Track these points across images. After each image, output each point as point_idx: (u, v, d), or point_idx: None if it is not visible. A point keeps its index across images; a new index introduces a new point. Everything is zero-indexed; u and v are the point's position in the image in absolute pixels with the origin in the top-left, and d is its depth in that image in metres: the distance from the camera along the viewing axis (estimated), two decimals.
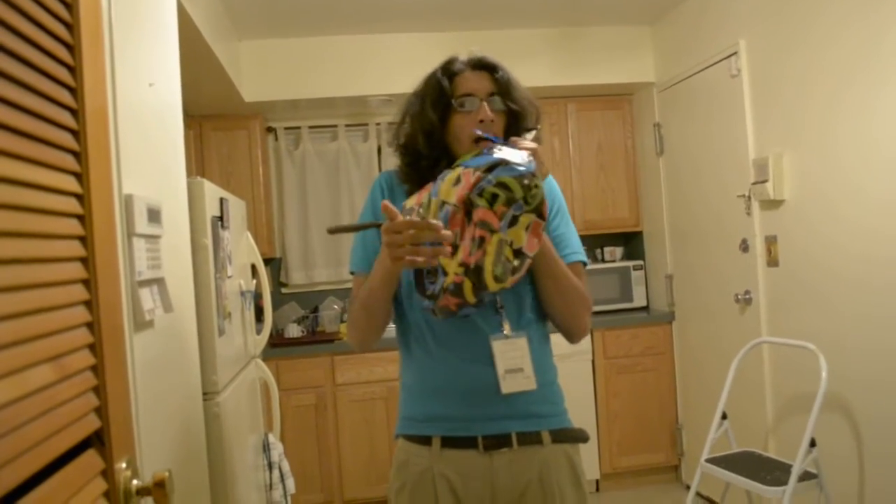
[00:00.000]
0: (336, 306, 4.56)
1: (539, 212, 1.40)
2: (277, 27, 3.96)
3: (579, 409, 4.01)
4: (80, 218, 0.98)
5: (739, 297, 3.50)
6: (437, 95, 1.58)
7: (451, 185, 1.42)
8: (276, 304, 4.48)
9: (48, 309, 0.87)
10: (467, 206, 1.39)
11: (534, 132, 1.61)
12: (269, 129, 4.60)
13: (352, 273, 1.67)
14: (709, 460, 2.94)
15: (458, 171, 1.43)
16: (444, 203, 1.42)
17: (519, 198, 1.36)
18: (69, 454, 0.89)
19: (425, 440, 1.57)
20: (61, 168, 0.94)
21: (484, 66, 1.59)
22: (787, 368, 3.20)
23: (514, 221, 1.38)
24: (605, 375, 4.23)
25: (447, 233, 1.33)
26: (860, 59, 2.66)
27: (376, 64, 4.17)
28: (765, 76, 3.25)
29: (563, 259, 1.62)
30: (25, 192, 0.83)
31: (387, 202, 1.33)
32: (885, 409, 2.63)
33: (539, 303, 1.63)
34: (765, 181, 3.18)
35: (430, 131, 1.58)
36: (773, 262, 3.27)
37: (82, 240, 0.98)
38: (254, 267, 3.19)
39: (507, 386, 1.52)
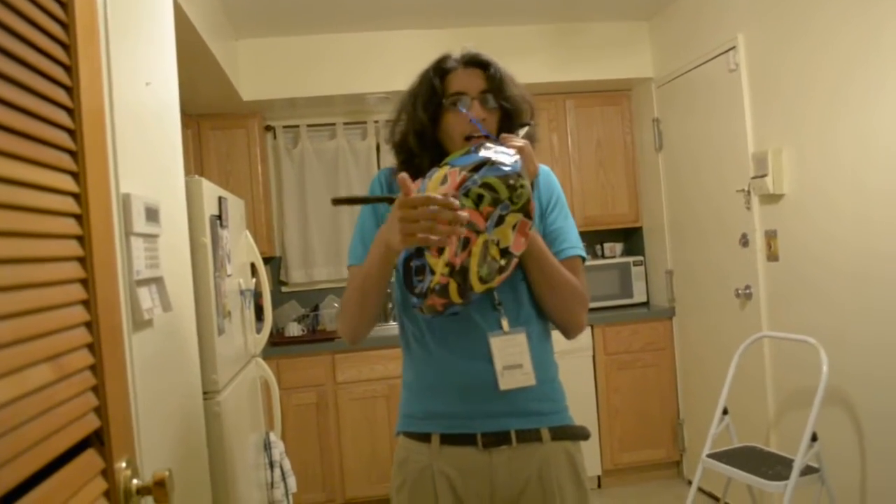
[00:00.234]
0: (336, 304, 4.56)
1: (525, 211, 1.40)
2: (275, 25, 3.95)
3: (580, 405, 4.01)
4: (78, 217, 0.98)
5: (740, 291, 3.50)
6: (429, 95, 1.58)
7: (437, 184, 1.42)
8: (276, 303, 4.48)
9: (46, 308, 0.86)
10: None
11: (526, 128, 1.60)
12: (268, 128, 4.59)
13: (349, 267, 1.65)
14: (710, 455, 2.94)
15: (445, 170, 1.43)
16: None
17: (504, 198, 1.36)
18: (69, 454, 0.88)
19: (425, 437, 1.57)
20: (58, 167, 0.93)
21: (476, 63, 1.59)
22: (788, 363, 3.20)
23: (500, 221, 1.39)
24: (605, 371, 4.23)
25: (464, 213, 1.30)
26: (860, 53, 2.66)
27: (374, 62, 4.17)
28: (763, 70, 3.24)
29: (560, 254, 1.61)
30: (22, 192, 0.83)
31: (404, 174, 1.30)
32: (886, 403, 2.63)
33: None
34: (764, 176, 3.18)
35: (420, 131, 1.59)
36: (772, 256, 3.27)
37: (80, 239, 0.98)
38: (253, 266, 3.19)
39: (506, 382, 1.52)
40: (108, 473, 0.98)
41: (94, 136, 1.05)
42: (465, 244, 1.38)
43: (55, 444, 0.84)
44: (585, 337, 4.18)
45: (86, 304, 0.98)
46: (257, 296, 3.34)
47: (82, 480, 0.91)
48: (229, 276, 2.61)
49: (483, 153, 1.40)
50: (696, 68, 3.80)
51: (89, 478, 0.93)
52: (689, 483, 3.79)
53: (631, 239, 4.85)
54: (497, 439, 1.54)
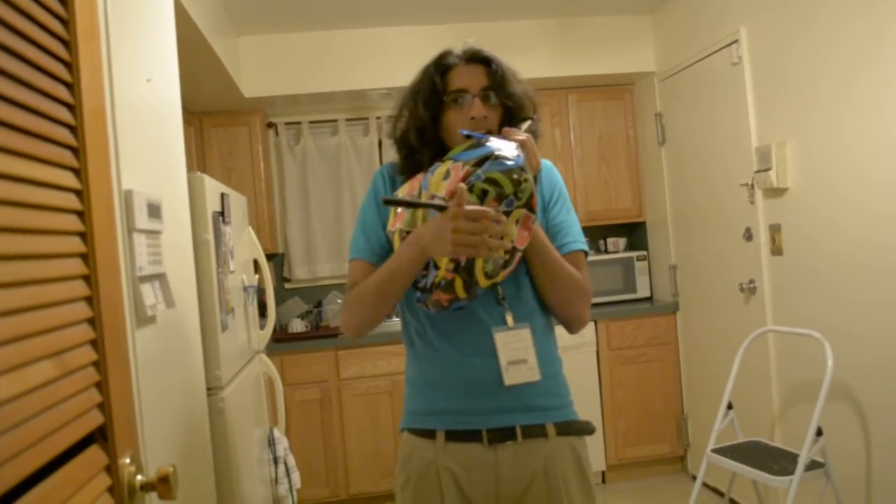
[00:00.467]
0: (339, 301, 4.55)
1: (529, 205, 1.41)
2: (276, 22, 3.95)
3: (584, 400, 3.98)
4: (80, 214, 0.98)
5: (744, 286, 3.49)
6: (430, 92, 1.57)
7: (440, 179, 1.41)
8: (280, 300, 4.48)
9: (49, 305, 0.86)
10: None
11: (528, 122, 1.59)
12: (270, 125, 4.59)
13: (352, 261, 1.64)
14: (715, 450, 2.94)
15: (448, 164, 1.42)
16: (433, 196, 1.42)
17: (509, 193, 1.36)
18: (72, 450, 0.88)
19: (429, 434, 1.57)
20: (59, 164, 0.93)
21: (478, 60, 1.58)
22: (793, 357, 3.19)
23: (505, 213, 1.38)
24: (609, 367, 4.23)
25: (511, 230, 1.35)
26: (868, 46, 2.64)
27: (376, 58, 4.16)
28: (767, 64, 3.23)
29: (563, 248, 1.61)
30: (24, 189, 0.83)
31: (462, 186, 1.31)
32: (892, 396, 2.62)
33: None
34: (768, 169, 3.17)
35: (421, 128, 1.58)
36: (776, 250, 3.26)
37: (82, 236, 0.98)
38: (256, 262, 3.19)
39: (511, 377, 1.52)
40: (112, 469, 0.99)
41: (96, 133, 1.05)
42: None
43: (59, 440, 0.84)
44: (589, 332, 4.17)
45: (88, 300, 0.98)
46: (260, 292, 3.34)
47: (86, 476, 0.91)
48: (232, 272, 2.61)
49: (486, 148, 1.40)
50: (699, 62, 3.79)
51: (93, 474, 0.93)
52: (694, 478, 3.78)
53: (634, 234, 4.84)
54: (502, 435, 1.54)
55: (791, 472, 2.61)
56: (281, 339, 4.15)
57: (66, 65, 0.98)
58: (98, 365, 0.98)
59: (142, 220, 1.46)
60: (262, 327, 3.27)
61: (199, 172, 2.33)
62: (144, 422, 1.38)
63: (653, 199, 4.53)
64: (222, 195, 2.55)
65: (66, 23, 0.99)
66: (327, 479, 4.01)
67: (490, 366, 1.53)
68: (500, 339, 1.53)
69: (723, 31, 3.52)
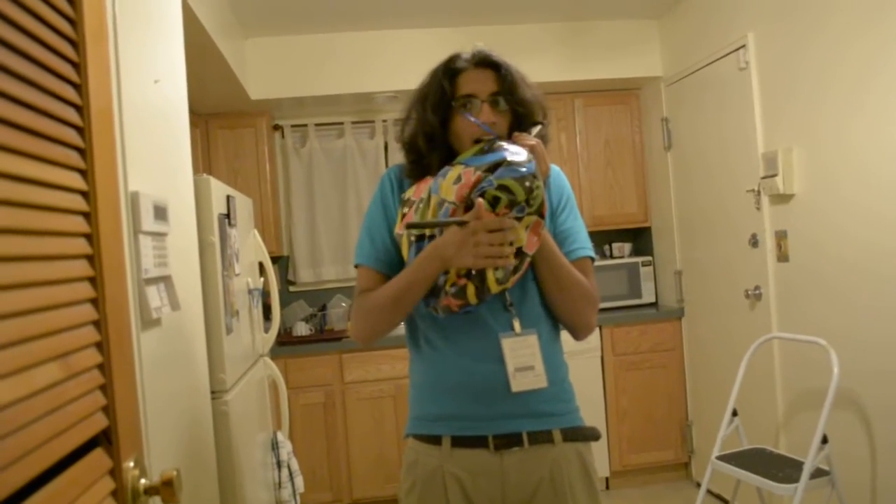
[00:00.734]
0: (344, 304, 4.55)
1: (539, 212, 1.41)
2: (283, 24, 3.95)
3: (588, 406, 3.97)
4: (86, 215, 0.97)
5: (749, 292, 3.48)
6: (439, 97, 1.56)
7: (451, 184, 1.41)
8: (284, 302, 4.48)
9: (54, 307, 0.86)
10: (468, 205, 1.38)
11: (538, 127, 1.59)
12: (276, 127, 4.59)
13: (358, 266, 1.64)
14: (719, 457, 2.92)
15: (459, 169, 1.42)
16: (443, 201, 1.42)
17: (521, 200, 1.35)
18: (76, 453, 0.88)
19: (435, 440, 1.56)
20: (66, 165, 0.93)
21: (487, 64, 1.57)
22: (798, 364, 3.17)
23: (516, 219, 1.39)
24: (614, 372, 4.21)
25: (521, 236, 1.40)
26: (878, 53, 2.62)
27: (382, 60, 4.16)
28: (774, 69, 3.22)
29: (571, 254, 1.60)
30: (30, 189, 0.82)
31: (481, 201, 1.33)
32: None
33: None
34: (774, 175, 3.16)
35: (430, 134, 1.57)
36: (783, 257, 3.25)
37: (88, 237, 0.97)
38: (261, 265, 3.19)
39: (518, 384, 1.51)
40: (115, 473, 0.98)
41: (103, 134, 1.04)
42: None
43: (63, 443, 0.84)
44: (594, 337, 4.16)
45: (94, 302, 0.97)
46: (265, 295, 3.34)
47: (90, 480, 0.90)
48: (237, 275, 2.61)
49: (497, 154, 1.39)
50: (706, 67, 3.78)
51: (97, 477, 0.93)
52: (698, 485, 3.77)
53: (639, 239, 4.83)
54: (508, 441, 1.53)
55: (796, 480, 2.59)
56: (285, 342, 4.15)
57: (74, 65, 0.98)
58: (103, 368, 0.98)
59: (148, 222, 1.46)
60: (266, 330, 3.27)
61: (205, 174, 2.32)
62: (148, 425, 1.38)
63: (658, 205, 4.52)
64: (228, 197, 2.54)
65: (75, 23, 0.99)
66: (330, 484, 4.00)
67: (497, 372, 1.51)
68: (508, 345, 1.52)
69: (730, 37, 3.51)
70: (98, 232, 0.99)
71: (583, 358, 4.05)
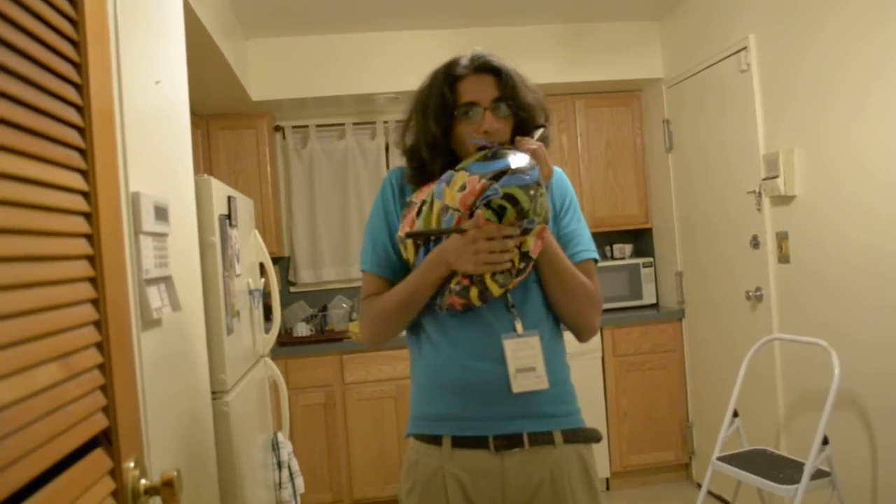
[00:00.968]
0: (345, 305, 4.55)
1: (546, 219, 1.43)
2: (285, 25, 3.95)
3: (589, 406, 3.96)
4: (87, 216, 0.97)
5: (750, 293, 3.48)
6: (440, 106, 1.55)
7: (456, 191, 1.42)
8: (285, 303, 4.48)
9: (55, 307, 0.86)
10: (472, 213, 1.40)
11: (541, 130, 1.58)
12: (277, 128, 4.59)
13: (365, 272, 1.67)
14: (720, 458, 2.92)
15: (464, 177, 1.42)
16: (448, 207, 1.42)
17: (528, 209, 1.37)
18: (77, 453, 0.88)
19: (436, 440, 1.56)
20: (67, 165, 0.93)
21: (488, 69, 1.56)
22: (799, 365, 3.17)
23: (525, 232, 1.41)
24: (614, 373, 4.21)
25: (529, 243, 1.45)
26: (879, 55, 2.62)
27: (383, 61, 4.16)
28: (775, 71, 3.22)
29: (574, 256, 1.61)
30: (31, 190, 0.82)
31: (480, 212, 1.37)
32: None
33: None
34: (775, 177, 3.16)
35: (433, 143, 1.57)
36: (783, 258, 3.24)
37: (89, 237, 0.97)
38: (262, 265, 3.19)
39: (519, 385, 1.51)
40: (116, 473, 0.98)
41: (104, 134, 1.04)
42: None
43: (63, 443, 0.84)
44: (594, 338, 4.15)
45: (94, 302, 0.97)
46: (266, 296, 3.34)
47: (90, 480, 0.90)
48: (238, 275, 2.61)
49: (501, 161, 1.39)
50: (707, 69, 3.78)
51: (97, 477, 0.93)
52: (699, 486, 3.76)
53: (640, 240, 4.83)
54: (509, 442, 1.53)
55: (797, 481, 2.59)
56: (286, 342, 4.15)
57: (75, 66, 0.98)
58: (103, 368, 0.98)
59: (149, 222, 1.46)
60: (267, 331, 3.27)
61: (206, 175, 2.32)
62: (149, 425, 1.38)
63: (659, 206, 4.52)
64: (229, 198, 2.54)
65: (76, 24, 0.99)
66: (331, 484, 4.00)
67: (498, 372, 1.52)
68: (510, 346, 1.52)
69: (731, 39, 3.51)
70: (99, 232, 0.99)
71: (583, 359, 4.05)
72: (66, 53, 0.95)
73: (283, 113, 4.55)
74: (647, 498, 4.13)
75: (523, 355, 1.52)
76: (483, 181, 1.37)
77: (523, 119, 1.58)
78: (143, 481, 1.03)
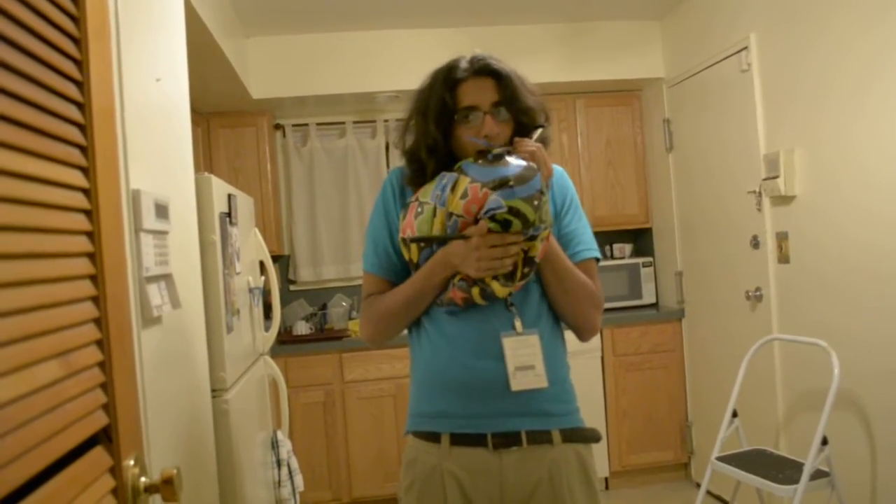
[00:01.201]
0: (344, 303, 4.55)
1: (551, 223, 1.47)
2: (285, 23, 3.95)
3: (589, 406, 3.97)
4: (88, 213, 0.97)
5: (750, 293, 3.48)
6: (440, 110, 1.55)
7: (458, 198, 1.43)
8: (285, 301, 4.48)
9: (55, 305, 0.86)
10: (476, 219, 1.42)
11: (539, 130, 1.58)
12: (277, 126, 4.59)
13: (366, 274, 1.68)
14: (719, 458, 2.92)
15: (465, 182, 1.43)
16: (451, 214, 1.44)
17: (533, 220, 1.38)
18: (77, 451, 0.88)
19: (434, 437, 1.56)
20: (68, 163, 0.93)
21: (488, 72, 1.55)
22: (799, 365, 3.17)
23: (532, 238, 1.43)
24: (614, 373, 4.21)
25: (536, 248, 1.47)
26: (880, 53, 2.62)
27: (384, 60, 4.16)
28: (776, 71, 3.22)
29: (575, 256, 1.61)
30: (32, 187, 0.82)
31: (484, 223, 1.39)
32: None
33: None
34: (776, 177, 3.15)
35: (432, 147, 1.57)
36: (783, 258, 3.24)
37: (89, 235, 0.97)
38: (262, 264, 3.19)
39: (517, 383, 1.51)
40: (116, 471, 0.98)
41: (105, 132, 1.04)
42: None
43: (63, 441, 0.84)
44: (594, 338, 4.13)
45: (95, 300, 0.97)
46: (266, 294, 3.34)
47: (90, 478, 0.90)
48: (238, 273, 2.61)
49: (502, 169, 1.40)
50: (708, 68, 3.78)
51: (97, 475, 0.93)
52: (698, 486, 3.76)
53: (640, 240, 4.83)
54: (507, 440, 1.53)
55: (796, 481, 2.59)
56: (285, 340, 4.15)
57: (77, 63, 0.98)
58: (103, 365, 0.98)
59: (149, 220, 1.46)
60: (267, 329, 3.27)
61: (206, 173, 2.32)
62: (149, 423, 1.38)
63: (660, 206, 4.52)
64: (229, 196, 2.54)
65: (77, 21, 0.99)
66: (330, 482, 4.00)
67: (497, 369, 1.52)
68: (509, 344, 1.52)
69: (733, 38, 3.51)
70: (99, 230, 0.99)
71: (583, 358, 4.05)
72: (68, 50, 0.95)
73: (284, 111, 4.55)
74: (646, 498, 4.13)
75: (522, 353, 1.52)
76: (485, 190, 1.38)
77: (523, 122, 1.58)
78: (142, 479, 1.03)
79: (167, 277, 1.58)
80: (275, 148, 4.52)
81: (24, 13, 0.82)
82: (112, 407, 0.98)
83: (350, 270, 4.59)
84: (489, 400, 1.53)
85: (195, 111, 4.04)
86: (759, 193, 3.36)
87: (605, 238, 4.77)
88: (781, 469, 2.75)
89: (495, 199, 1.37)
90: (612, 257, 4.75)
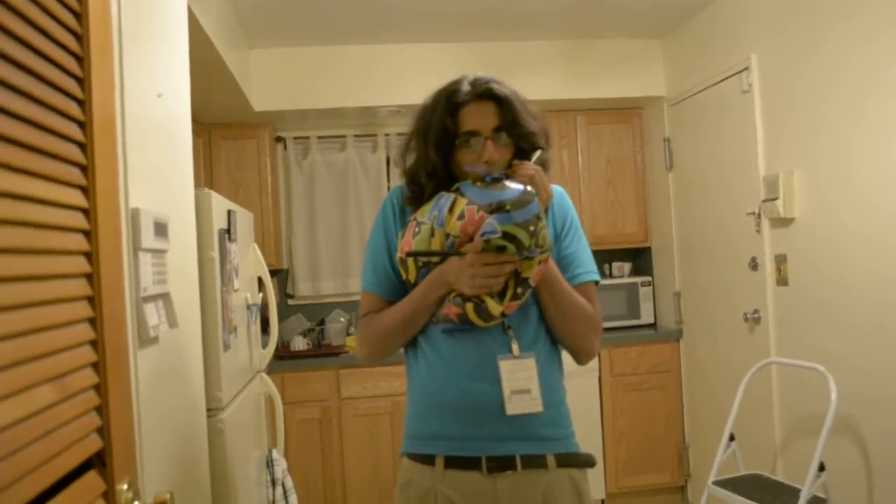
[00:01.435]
0: (342, 319, 4.53)
1: (549, 248, 1.46)
2: (288, 36, 3.96)
3: (585, 426, 3.95)
4: (86, 233, 0.96)
5: (748, 315, 3.46)
6: (441, 135, 1.54)
7: (455, 219, 1.44)
8: (282, 316, 4.45)
9: (51, 327, 0.85)
10: (471, 240, 1.42)
11: (539, 152, 1.58)
12: (278, 139, 4.59)
13: (365, 292, 1.67)
14: (716, 482, 2.90)
15: (462, 204, 1.43)
16: (448, 235, 1.45)
17: (528, 245, 1.38)
18: (70, 476, 0.86)
19: (429, 459, 1.54)
20: (68, 182, 0.92)
21: (489, 97, 1.55)
22: (797, 389, 3.16)
23: (527, 259, 1.43)
24: (611, 393, 4.19)
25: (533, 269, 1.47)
26: (875, 75, 2.63)
27: (386, 74, 4.17)
28: (777, 92, 3.22)
29: (574, 279, 1.60)
30: (31, 208, 0.81)
31: (478, 241, 1.40)
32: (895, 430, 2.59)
33: None
34: (775, 199, 3.15)
35: (432, 172, 1.57)
36: (782, 280, 3.23)
37: (88, 255, 0.96)
38: (260, 279, 3.17)
39: (513, 407, 1.50)
40: (109, 496, 0.96)
41: (105, 150, 1.03)
42: None
43: (57, 466, 0.82)
44: None
45: (92, 321, 0.96)
46: (263, 309, 3.32)
47: (83, 503, 0.88)
48: (236, 290, 2.59)
49: (499, 194, 1.39)
50: (709, 88, 3.79)
51: (90, 500, 0.91)
52: None
53: (639, 259, 4.82)
54: (501, 464, 1.51)
55: None
56: (282, 356, 4.12)
57: (79, 81, 0.97)
58: (98, 388, 0.96)
59: (148, 238, 1.44)
60: (264, 345, 3.25)
61: (206, 189, 2.31)
62: (143, 444, 1.36)
63: (659, 225, 4.51)
64: (229, 212, 2.53)
65: (80, 37, 0.98)
66: (325, 500, 3.96)
67: (493, 393, 1.50)
68: (505, 367, 1.51)
69: (734, 58, 3.51)
70: (98, 250, 0.98)
71: (580, 378, 4.02)
72: (69, 68, 0.94)
73: (285, 123, 4.55)
74: None
75: (519, 377, 1.51)
76: (481, 213, 1.38)
77: (523, 147, 1.57)
78: (136, 503, 1.01)
79: (165, 296, 1.57)
80: (275, 160, 4.51)
81: (26, 30, 0.82)
82: (106, 430, 0.97)
83: (349, 285, 4.57)
84: (484, 423, 1.52)
85: (197, 122, 4.04)
86: (759, 215, 3.36)
87: (605, 256, 4.76)
88: (778, 495, 2.73)
89: (490, 224, 1.37)
90: (611, 276, 4.74)
